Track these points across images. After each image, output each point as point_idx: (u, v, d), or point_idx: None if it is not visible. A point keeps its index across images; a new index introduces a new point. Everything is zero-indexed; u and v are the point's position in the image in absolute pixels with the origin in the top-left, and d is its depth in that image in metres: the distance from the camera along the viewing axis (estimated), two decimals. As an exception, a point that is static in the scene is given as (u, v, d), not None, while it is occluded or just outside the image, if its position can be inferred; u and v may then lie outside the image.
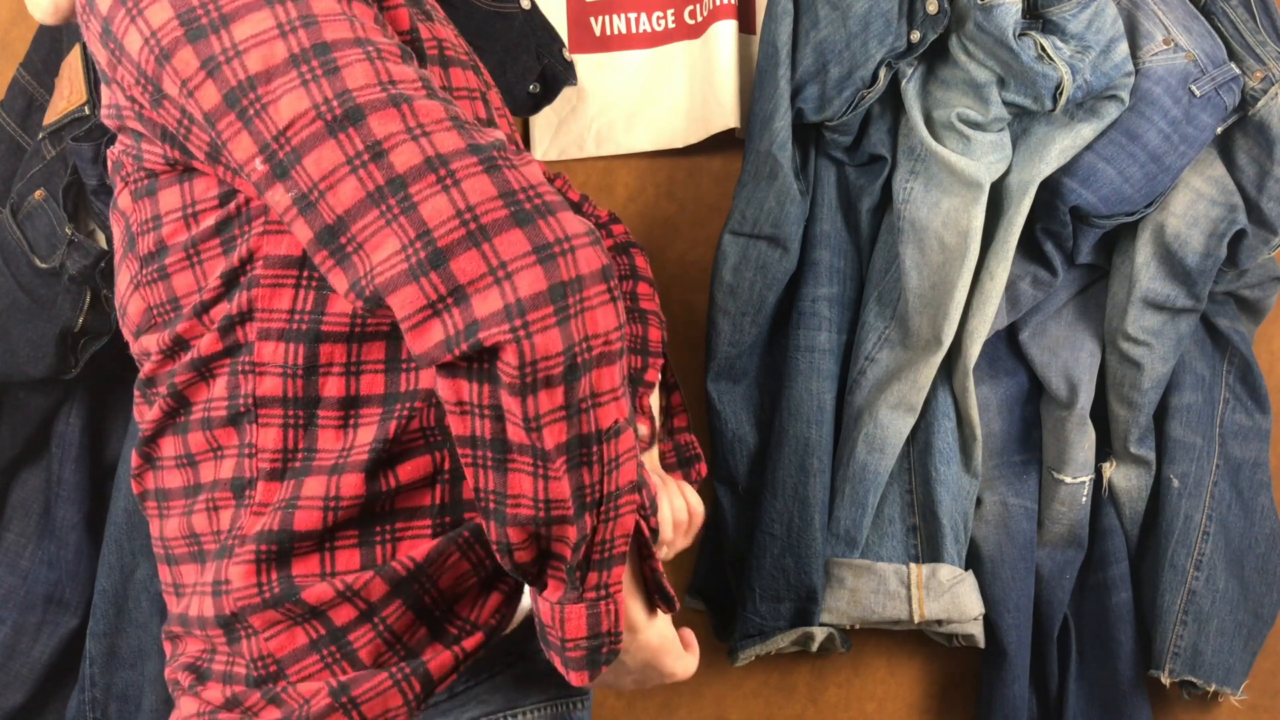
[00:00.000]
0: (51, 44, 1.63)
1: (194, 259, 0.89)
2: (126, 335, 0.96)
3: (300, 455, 0.87)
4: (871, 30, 1.51)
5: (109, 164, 0.93)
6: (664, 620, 0.94)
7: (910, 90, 1.55)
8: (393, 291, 0.75)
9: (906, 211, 1.54)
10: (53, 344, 1.52)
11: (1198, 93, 1.52)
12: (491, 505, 0.79)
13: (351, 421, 0.88)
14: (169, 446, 0.93)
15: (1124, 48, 1.50)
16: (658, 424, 1.15)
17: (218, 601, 0.88)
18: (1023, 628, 1.60)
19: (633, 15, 1.68)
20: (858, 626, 1.60)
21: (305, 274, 0.86)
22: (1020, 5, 1.47)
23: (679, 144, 1.68)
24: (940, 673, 1.73)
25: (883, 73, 1.52)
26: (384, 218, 0.75)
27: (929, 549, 1.59)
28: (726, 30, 1.62)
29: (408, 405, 0.87)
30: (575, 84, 1.64)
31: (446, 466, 0.89)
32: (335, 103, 0.76)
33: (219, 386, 0.89)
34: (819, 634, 1.58)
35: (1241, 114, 1.56)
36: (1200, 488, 1.61)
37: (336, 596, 0.85)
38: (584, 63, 1.68)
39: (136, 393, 0.95)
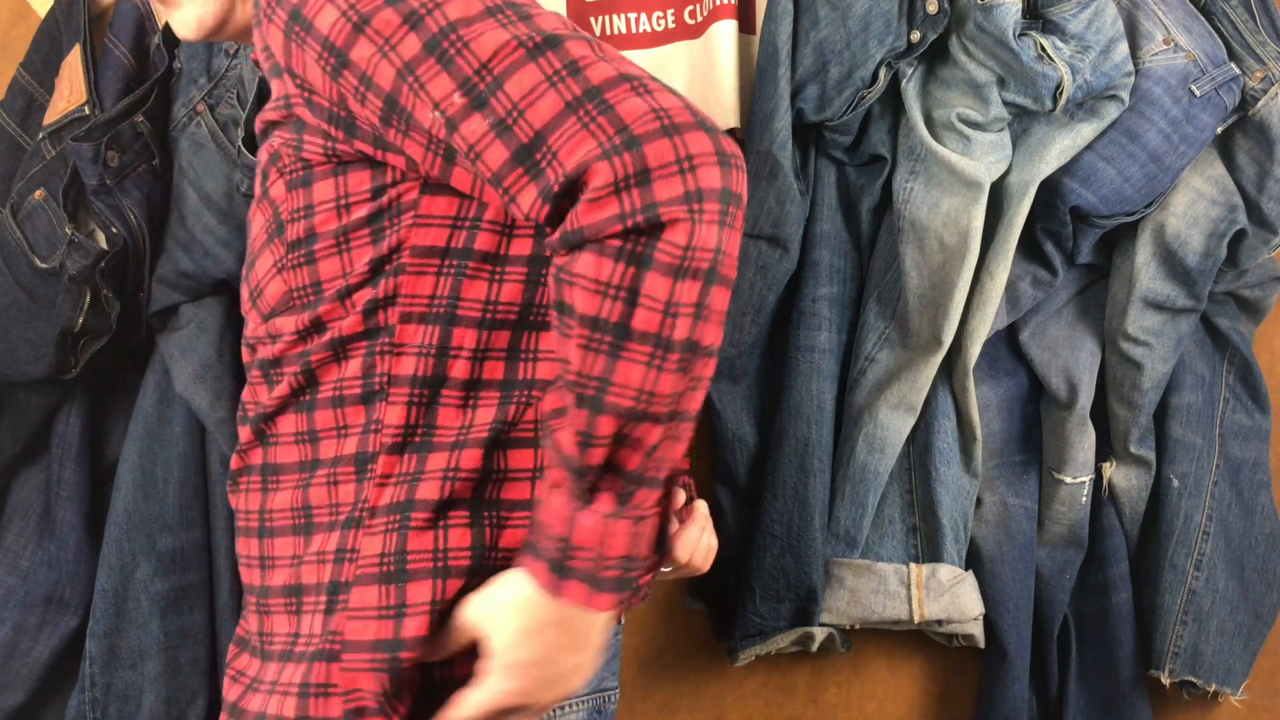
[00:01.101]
0: (51, 44, 1.63)
1: (343, 246, 0.95)
2: (255, 317, 1.01)
3: (420, 431, 0.93)
4: (871, 30, 1.51)
5: (266, 156, 1.00)
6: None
7: (910, 90, 1.55)
8: (585, 171, 0.81)
9: (906, 211, 1.54)
10: (53, 344, 1.52)
11: (1198, 93, 1.52)
12: (591, 391, 0.82)
13: (471, 402, 0.94)
14: (289, 423, 0.98)
15: (1124, 48, 1.50)
16: None
17: (338, 568, 0.92)
18: (1023, 628, 1.60)
19: (633, 15, 1.68)
20: (858, 626, 1.60)
21: (447, 262, 0.94)
22: (1020, 5, 1.47)
23: (679, 144, 1.68)
24: (940, 673, 1.73)
25: (883, 73, 1.52)
26: (581, 122, 0.82)
27: (929, 549, 1.59)
28: (726, 30, 1.62)
29: (525, 393, 0.93)
30: None
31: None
32: (536, 35, 0.85)
33: (353, 366, 0.95)
34: (819, 634, 1.58)
35: (1241, 114, 1.56)
36: (1200, 488, 1.61)
37: (430, 603, 0.89)
38: (584, 63, 1.68)
39: (256, 373, 1.00)
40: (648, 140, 0.80)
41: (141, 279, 1.54)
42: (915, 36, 1.50)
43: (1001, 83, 1.50)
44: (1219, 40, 1.56)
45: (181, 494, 1.54)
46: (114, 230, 1.51)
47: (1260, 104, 1.55)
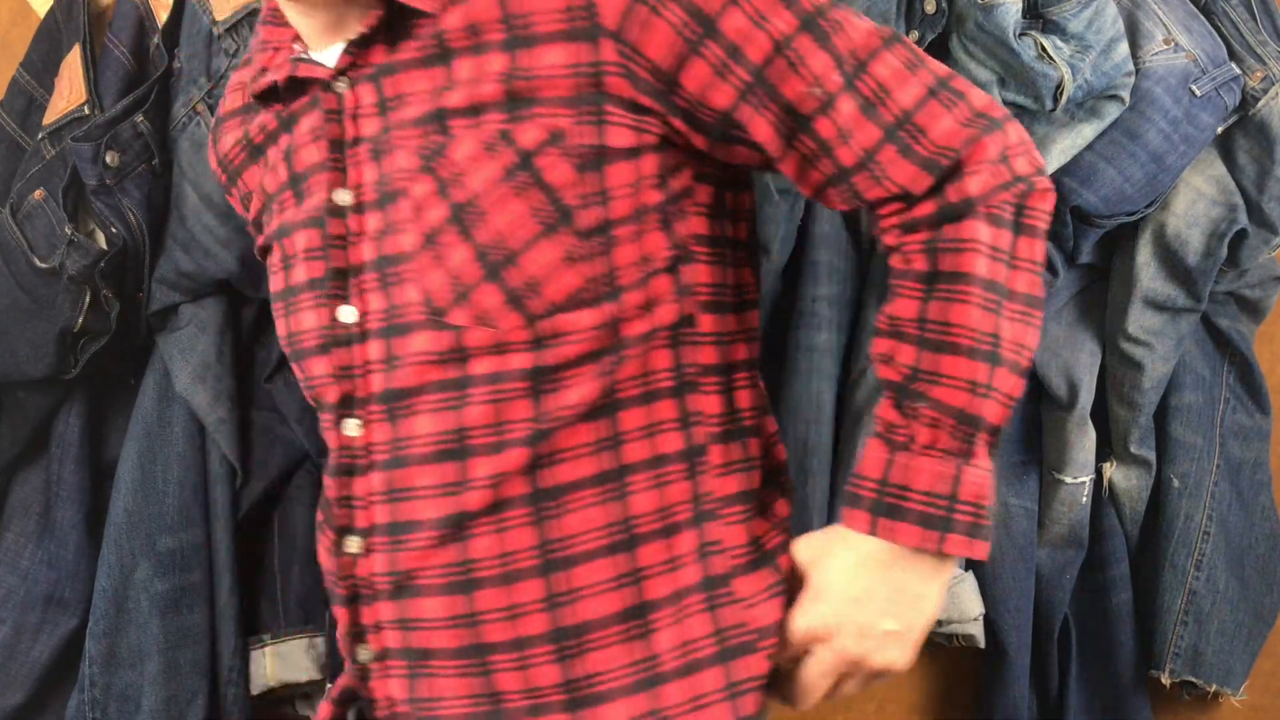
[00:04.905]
0: (51, 44, 1.63)
1: (641, 232, 0.93)
2: (507, 320, 0.91)
3: (732, 416, 0.99)
4: (870, 30, 1.51)
5: (532, 136, 0.91)
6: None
7: (910, 90, 1.55)
8: (973, 144, 0.91)
9: (906, 211, 1.54)
10: (53, 344, 1.52)
11: (1198, 92, 1.52)
12: (987, 347, 0.89)
13: (748, 383, 1.02)
14: (584, 434, 0.92)
15: (1124, 47, 1.50)
16: None
17: (706, 564, 0.95)
18: (1023, 628, 1.60)
19: (633, 15, 1.67)
20: (857, 626, 1.60)
21: (718, 251, 0.97)
22: (1021, 5, 1.47)
23: (679, 144, 1.67)
24: (940, 673, 1.73)
25: (882, 73, 1.52)
26: (943, 105, 0.91)
27: (929, 549, 1.58)
28: (726, 30, 1.62)
29: (748, 373, 1.01)
30: None
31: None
32: (882, 29, 0.93)
33: (661, 359, 0.96)
34: (818, 634, 1.58)
35: (1242, 114, 1.56)
36: (1200, 488, 1.61)
37: (789, 576, 0.98)
38: (584, 62, 1.68)
39: (511, 386, 0.91)
40: (1006, 122, 0.92)
41: (141, 279, 1.54)
42: (914, 37, 1.50)
43: (1002, 82, 1.50)
44: (1219, 40, 1.56)
45: (181, 494, 1.54)
46: (114, 230, 1.51)
47: (1260, 104, 1.55)
